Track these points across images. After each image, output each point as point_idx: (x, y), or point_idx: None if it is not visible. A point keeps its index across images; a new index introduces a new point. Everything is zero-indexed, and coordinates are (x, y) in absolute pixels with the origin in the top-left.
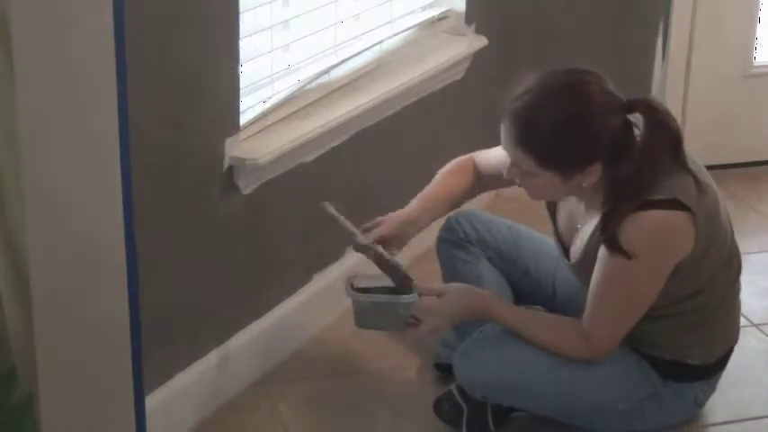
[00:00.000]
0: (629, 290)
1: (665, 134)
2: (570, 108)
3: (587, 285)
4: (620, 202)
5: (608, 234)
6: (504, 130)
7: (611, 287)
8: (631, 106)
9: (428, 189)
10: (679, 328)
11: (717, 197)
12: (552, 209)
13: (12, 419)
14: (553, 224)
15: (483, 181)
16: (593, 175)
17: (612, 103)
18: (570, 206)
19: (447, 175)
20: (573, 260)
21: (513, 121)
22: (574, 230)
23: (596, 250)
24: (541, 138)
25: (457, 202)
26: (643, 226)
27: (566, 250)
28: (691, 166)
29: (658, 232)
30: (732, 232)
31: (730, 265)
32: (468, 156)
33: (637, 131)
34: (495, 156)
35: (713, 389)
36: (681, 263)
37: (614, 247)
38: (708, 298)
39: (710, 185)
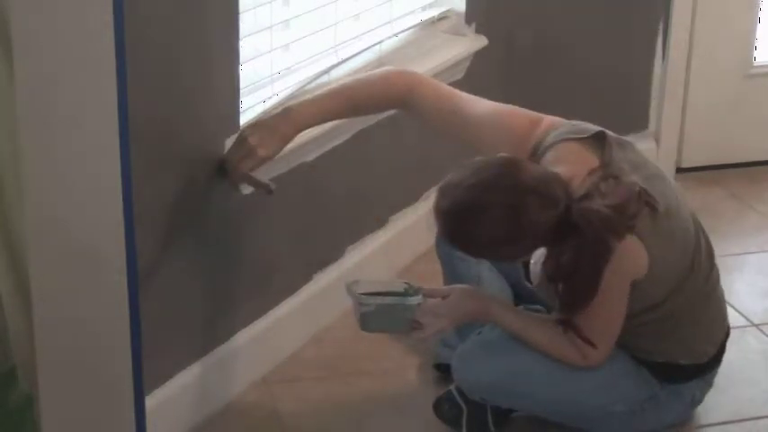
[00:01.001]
0: (599, 312)
1: (596, 240)
2: (499, 233)
3: (553, 304)
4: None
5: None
6: (435, 219)
7: (584, 312)
8: (568, 212)
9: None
10: (658, 334)
11: (675, 212)
12: None
13: (12, 419)
14: None
15: (417, 113)
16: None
17: (547, 219)
18: None
19: (378, 81)
20: (534, 284)
21: (438, 219)
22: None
23: (551, 280)
24: (464, 247)
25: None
26: None
27: (527, 269)
28: (644, 184)
29: (614, 274)
30: (698, 235)
31: (696, 271)
32: (416, 80)
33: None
34: (470, 109)
35: (710, 385)
36: (638, 280)
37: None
38: (676, 304)
39: (668, 203)
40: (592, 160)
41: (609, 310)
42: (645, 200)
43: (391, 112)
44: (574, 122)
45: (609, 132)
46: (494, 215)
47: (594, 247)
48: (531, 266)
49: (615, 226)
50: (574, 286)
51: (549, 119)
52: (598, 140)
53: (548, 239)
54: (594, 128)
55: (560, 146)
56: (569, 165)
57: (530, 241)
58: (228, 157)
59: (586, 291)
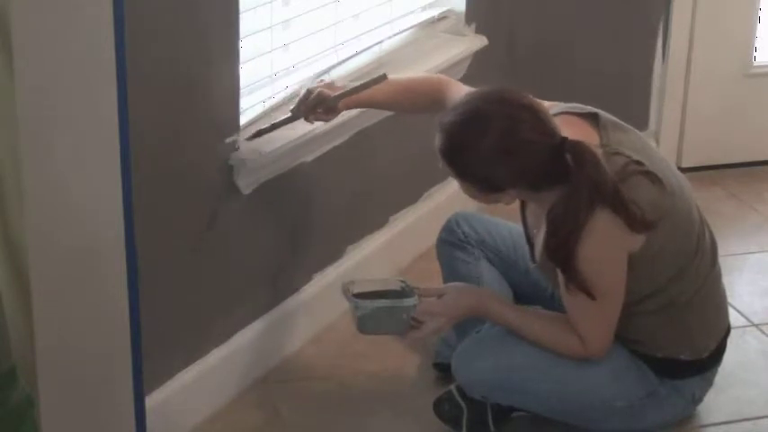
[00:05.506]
0: (599, 288)
1: (585, 182)
2: (495, 143)
3: (551, 286)
4: (556, 239)
5: (569, 275)
6: (437, 136)
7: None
8: (561, 146)
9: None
10: (659, 324)
11: (680, 193)
12: (523, 208)
13: (12, 419)
14: (523, 224)
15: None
16: (511, 196)
17: (542, 142)
18: (534, 207)
19: (423, 85)
20: (537, 260)
21: (439, 133)
22: (535, 231)
23: (551, 233)
24: (461, 160)
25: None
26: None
27: (533, 250)
28: (650, 167)
29: (604, 230)
30: (703, 225)
31: (699, 258)
32: (449, 79)
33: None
34: None
35: (710, 384)
36: (635, 255)
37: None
38: (678, 292)
39: (671, 183)
40: (591, 134)
41: (608, 283)
42: (650, 176)
43: (389, 111)
44: (569, 104)
45: (603, 113)
46: (493, 124)
47: (582, 188)
48: (536, 243)
49: (604, 191)
50: (561, 233)
51: (547, 102)
52: (593, 119)
53: (541, 177)
54: (589, 108)
55: (558, 118)
56: (569, 133)
57: (524, 164)
58: (310, 88)
59: (570, 233)
